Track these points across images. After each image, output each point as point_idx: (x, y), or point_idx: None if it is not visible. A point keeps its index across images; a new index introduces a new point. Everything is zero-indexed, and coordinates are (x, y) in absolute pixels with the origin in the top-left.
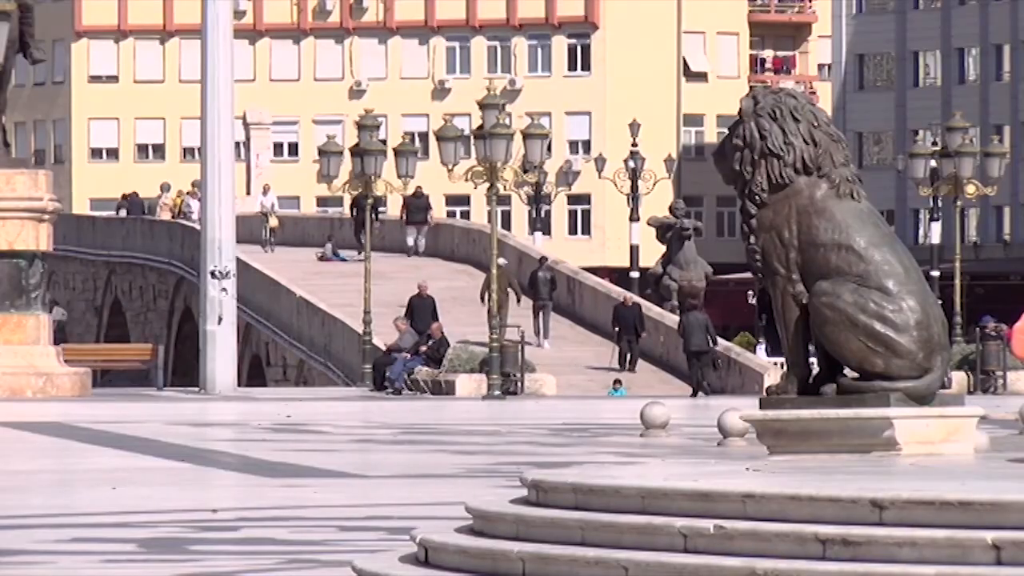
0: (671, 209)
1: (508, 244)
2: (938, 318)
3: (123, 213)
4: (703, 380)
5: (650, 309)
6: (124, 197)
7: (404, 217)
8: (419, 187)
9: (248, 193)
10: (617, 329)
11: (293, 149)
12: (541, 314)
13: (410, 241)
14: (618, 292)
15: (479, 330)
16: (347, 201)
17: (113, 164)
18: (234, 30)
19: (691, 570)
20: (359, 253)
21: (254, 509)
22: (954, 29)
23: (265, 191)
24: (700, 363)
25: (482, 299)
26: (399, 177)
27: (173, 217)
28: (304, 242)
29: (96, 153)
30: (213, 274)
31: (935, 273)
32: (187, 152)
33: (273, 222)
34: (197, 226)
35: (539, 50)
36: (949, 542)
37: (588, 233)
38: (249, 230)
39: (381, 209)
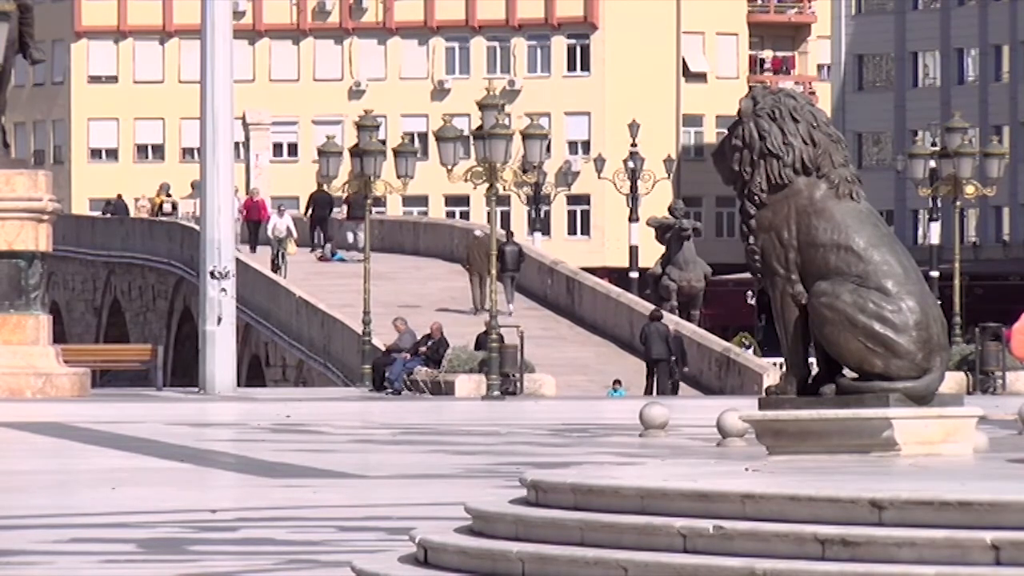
0: (670, 209)
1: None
2: (937, 318)
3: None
4: (658, 387)
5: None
6: (109, 203)
7: (347, 214)
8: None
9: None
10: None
11: (292, 149)
12: (508, 283)
13: (350, 238)
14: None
15: (478, 329)
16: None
17: (112, 164)
18: (233, 30)
19: (690, 570)
20: (312, 251)
21: (253, 509)
22: (953, 30)
23: (281, 212)
24: (658, 371)
25: (464, 265)
26: (398, 177)
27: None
28: (303, 242)
29: (95, 153)
30: (212, 274)
31: (934, 273)
32: (186, 152)
33: (292, 248)
34: (195, 226)
35: (538, 50)
36: (948, 542)
37: (587, 234)
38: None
39: (379, 209)
